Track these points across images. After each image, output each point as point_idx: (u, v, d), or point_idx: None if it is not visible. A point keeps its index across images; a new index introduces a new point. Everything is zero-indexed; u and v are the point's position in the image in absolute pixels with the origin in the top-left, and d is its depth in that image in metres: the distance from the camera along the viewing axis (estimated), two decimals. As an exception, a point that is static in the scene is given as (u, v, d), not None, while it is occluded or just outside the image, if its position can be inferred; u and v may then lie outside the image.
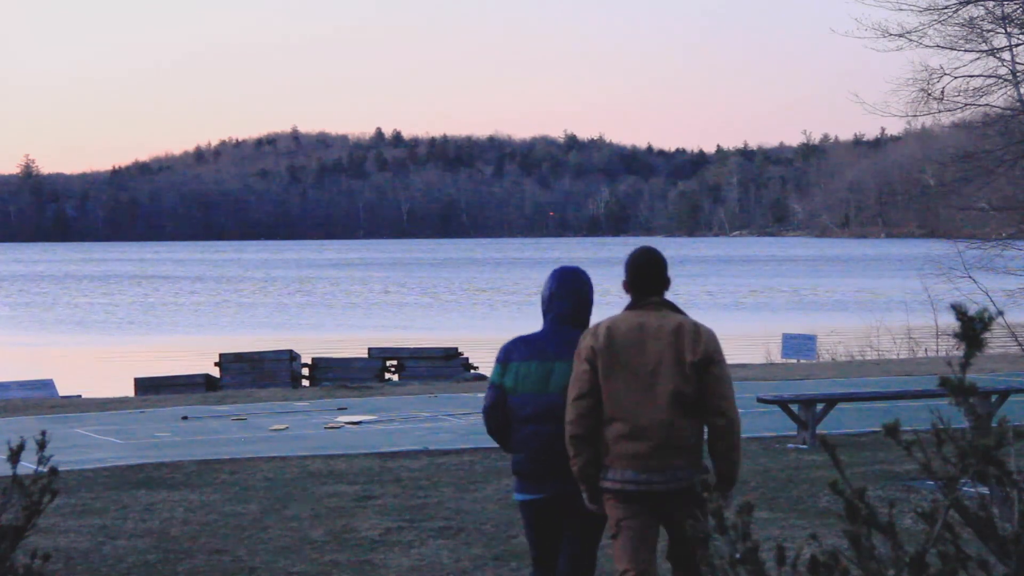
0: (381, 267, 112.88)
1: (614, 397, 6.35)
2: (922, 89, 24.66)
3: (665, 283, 6.63)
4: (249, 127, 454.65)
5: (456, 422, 17.52)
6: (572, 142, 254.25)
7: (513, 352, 6.93)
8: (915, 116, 25.79)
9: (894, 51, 24.82)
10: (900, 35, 24.29)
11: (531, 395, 6.78)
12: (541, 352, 6.87)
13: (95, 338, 49.26)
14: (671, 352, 6.39)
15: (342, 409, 19.11)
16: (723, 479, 6.54)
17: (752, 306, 60.55)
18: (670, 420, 6.34)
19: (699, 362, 6.38)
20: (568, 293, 7.01)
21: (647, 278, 6.58)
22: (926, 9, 24.11)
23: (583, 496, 6.51)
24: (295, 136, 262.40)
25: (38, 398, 23.68)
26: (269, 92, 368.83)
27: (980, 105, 25.26)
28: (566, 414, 6.44)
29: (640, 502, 6.39)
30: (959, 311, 2.92)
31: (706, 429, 6.53)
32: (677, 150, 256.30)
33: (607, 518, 6.49)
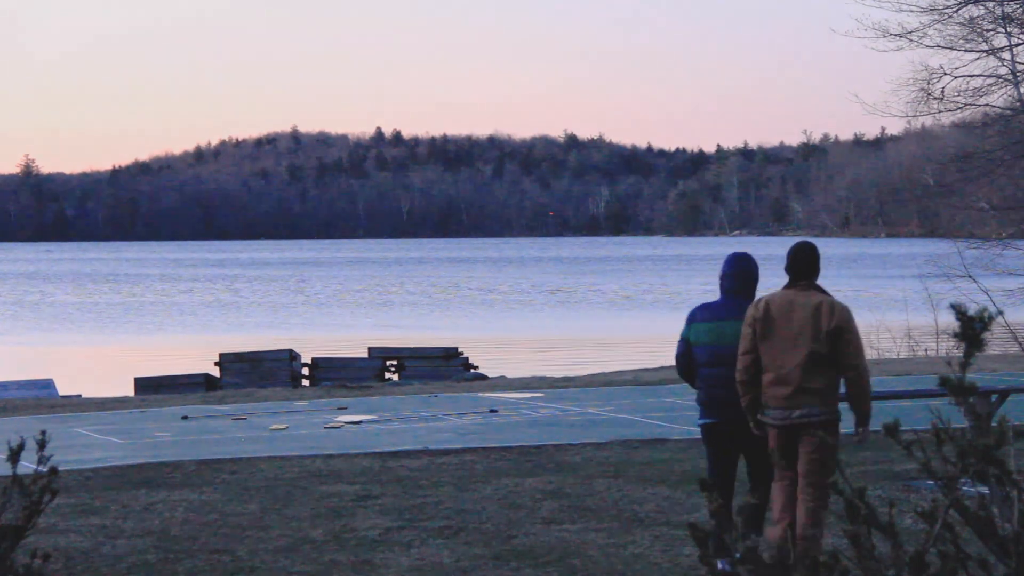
0: (381, 267, 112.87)
1: (768, 353, 8.61)
2: (922, 89, 24.68)
3: (813, 270, 8.72)
4: (249, 127, 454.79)
5: (456, 422, 17.51)
6: (572, 142, 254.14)
7: (697, 314, 9.27)
8: (915, 116, 25.81)
9: (894, 51, 24.82)
10: (900, 35, 24.30)
11: (710, 346, 9.10)
12: (717, 315, 9.16)
13: (95, 338, 49.26)
14: (811, 322, 8.51)
15: (342, 409, 19.11)
16: (859, 416, 8.65)
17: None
18: (805, 372, 8.49)
19: (832, 330, 8.47)
20: (736, 272, 9.24)
21: (798, 265, 8.71)
22: (927, 9, 24.12)
23: (750, 424, 8.78)
24: (295, 136, 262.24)
25: (38, 398, 23.68)
26: (269, 92, 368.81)
27: (980, 105, 25.28)
28: (736, 365, 8.73)
29: (786, 431, 8.61)
30: (959, 311, 2.92)
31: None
32: (677, 150, 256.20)
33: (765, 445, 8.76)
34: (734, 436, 9.03)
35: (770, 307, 8.63)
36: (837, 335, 8.45)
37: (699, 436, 15.53)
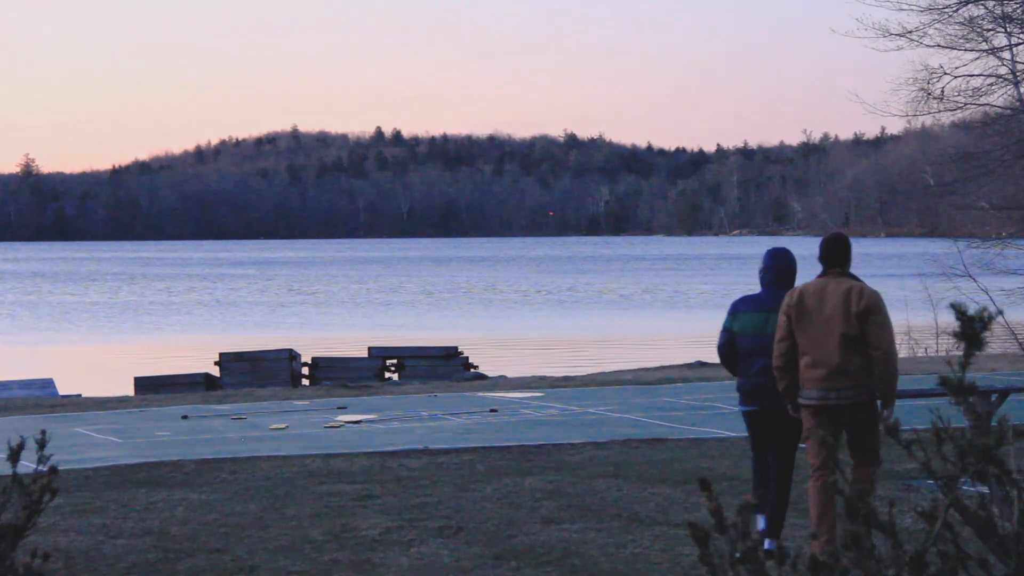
0: (381, 266, 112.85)
1: (803, 338, 9.07)
2: (922, 88, 24.67)
3: (844, 259, 9.22)
4: (249, 127, 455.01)
5: (456, 422, 17.51)
6: (572, 142, 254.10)
7: (741, 306, 9.83)
8: (915, 116, 25.79)
9: (894, 51, 24.81)
10: (901, 35, 24.29)
11: (752, 336, 9.64)
12: (759, 306, 9.72)
13: (95, 337, 49.26)
14: (842, 307, 8.97)
15: (342, 408, 19.11)
16: (884, 397, 9.09)
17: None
18: (840, 354, 8.94)
19: (860, 313, 8.93)
20: (776, 266, 9.82)
21: (830, 255, 9.22)
22: (927, 9, 24.11)
23: (788, 408, 9.25)
24: (295, 136, 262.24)
25: (38, 397, 23.68)
26: (269, 92, 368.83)
27: (980, 104, 25.27)
28: (773, 351, 9.22)
29: (823, 413, 9.04)
30: (959, 310, 2.92)
31: None
32: (677, 149, 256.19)
33: (799, 431, 9.37)
34: (772, 422, 9.62)
35: (804, 295, 9.14)
36: (865, 316, 8.91)
37: (698, 436, 15.62)
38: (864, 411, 9.03)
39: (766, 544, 8.89)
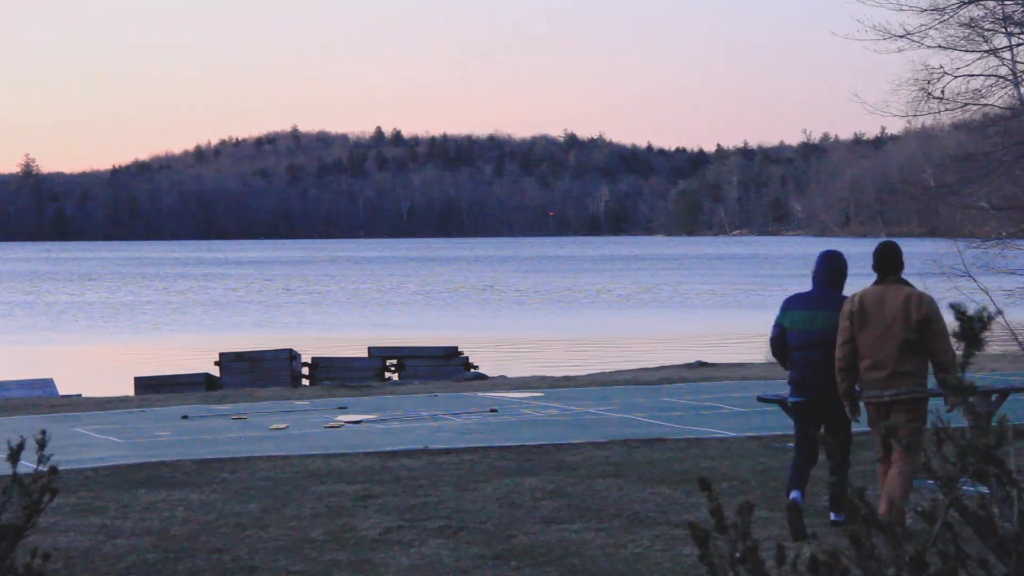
0: (381, 266, 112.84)
1: (864, 342, 9.69)
2: (922, 89, 24.63)
3: (899, 266, 9.86)
4: (249, 127, 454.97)
5: (456, 422, 17.51)
6: (572, 142, 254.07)
7: (792, 303, 10.47)
8: (915, 116, 25.75)
9: (895, 52, 24.78)
10: (902, 36, 24.25)
11: (802, 332, 10.26)
12: (810, 304, 10.34)
13: (95, 337, 49.26)
14: (902, 313, 9.61)
15: (342, 408, 19.11)
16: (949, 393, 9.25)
17: (752, 305, 60.53)
18: (898, 357, 9.57)
19: (921, 319, 9.56)
20: (827, 267, 10.45)
21: (885, 263, 9.85)
22: (928, 9, 24.08)
23: (846, 407, 9.82)
24: (295, 135, 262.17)
25: (38, 397, 23.67)
26: (269, 92, 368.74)
27: (980, 105, 25.24)
28: (835, 354, 9.78)
29: (881, 409, 9.67)
30: (959, 310, 2.92)
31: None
32: (677, 149, 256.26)
33: (850, 420, 10.03)
34: (820, 412, 10.23)
35: (864, 301, 9.76)
36: (926, 323, 9.55)
37: (698, 436, 15.61)
38: (917, 406, 9.64)
39: (832, 516, 10.21)
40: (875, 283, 9.85)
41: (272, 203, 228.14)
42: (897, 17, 38.69)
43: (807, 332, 10.23)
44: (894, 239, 10.84)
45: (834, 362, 9.89)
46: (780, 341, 10.42)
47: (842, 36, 32.19)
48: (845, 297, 10.22)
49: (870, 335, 9.65)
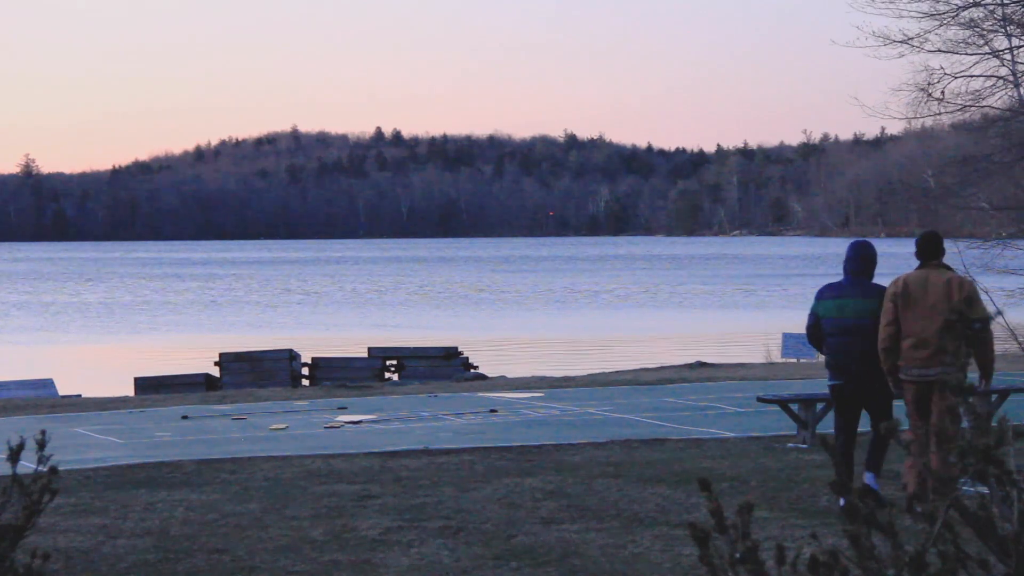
0: (381, 266, 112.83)
1: (907, 322, 10.32)
2: (922, 90, 24.63)
3: (940, 252, 10.50)
4: (249, 127, 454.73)
5: (456, 422, 17.51)
6: (572, 142, 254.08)
7: (825, 292, 11.11)
8: (915, 117, 25.76)
9: (896, 58, 24.76)
10: (902, 41, 24.23)
11: (835, 319, 10.91)
12: (841, 293, 10.97)
13: (95, 337, 49.26)
14: (943, 295, 10.21)
15: (342, 409, 19.11)
16: (983, 372, 10.34)
17: (752, 305, 60.55)
18: (940, 336, 10.06)
19: (964, 300, 10.09)
20: (858, 257, 11.01)
21: (927, 249, 10.48)
22: (927, 14, 24.05)
23: (889, 383, 10.55)
24: (295, 136, 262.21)
25: (38, 398, 23.67)
26: (269, 92, 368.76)
27: (980, 106, 25.22)
28: (879, 334, 10.50)
29: (923, 387, 10.31)
30: (957, 312, 2.91)
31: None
32: (677, 150, 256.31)
33: (891, 397, 10.72)
34: (857, 393, 10.88)
35: (908, 284, 10.41)
36: (967, 305, 10.12)
37: (698, 436, 15.60)
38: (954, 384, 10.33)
39: (866, 477, 10.78)
40: (918, 267, 10.51)
41: (272, 203, 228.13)
42: (897, 23, 38.67)
43: (839, 319, 10.88)
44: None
45: (865, 347, 10.60)
46: (815, 329, 11.11)
47: (842, 44, 32.13)
48: (875, 285, 10.89)
49: (913, 316, 10.28)
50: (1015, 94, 24.77)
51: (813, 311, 11.16)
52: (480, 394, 20.97)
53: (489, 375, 27.90)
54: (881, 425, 3.12)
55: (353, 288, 79.74)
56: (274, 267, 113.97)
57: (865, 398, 10.89)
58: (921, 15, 24.13)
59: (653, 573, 9.08)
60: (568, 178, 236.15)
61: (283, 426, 17.23)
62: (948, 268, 10.53)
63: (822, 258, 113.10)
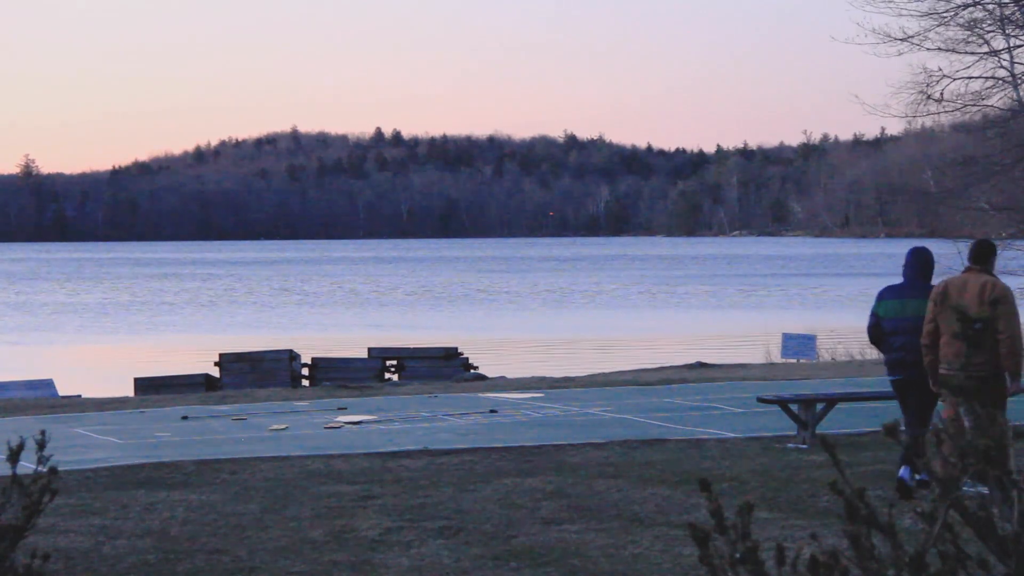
0: (380, 266, 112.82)
1: (945, 321, 11.03)
2: (921, 91, 24.62)
3: (985, 259, 11.34)
4: (249, 127, 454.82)
5: (456, 422, 17.51)
6: (572, 142, 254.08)
7: (885, 293, 11.96)
8: (915, 117, 25.75)
9: (895, 56, 24.77)
10: (902, 39, 24.24)
11: (895, 319, 11.75)
12: (900, 294, 11.84)
13: (95, 338, 49.26)
14: (977, 296, 11.01)
15: (342, 409, 19.10)
16: (1011, 373, 10.92)
17: (752, 306, 60.54)
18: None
19: (990, 301, 10.91)
20: (916, 261, 11.95)
21: (974, 255, 11.34)
22: (927, 13, 24.06)
23: (929, 379, 11.21)
24: (295, 136, 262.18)
25: (38, 398, 23.67)
26: (269, 92, 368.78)
27: (980, 107, 25.22)
28: (922, 331, 11.25)
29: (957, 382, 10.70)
30: (959, 311, 2.92)
31: None
32: (677, 150, 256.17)
33: (937, 395, 11.29)
34: (915, 388, 11.63)
35: (949, 286, 11.25)
36: (995, 305, 10.89)
37: (698, 437, 15.62)
38: (993, 382, 10.76)
39: (901, 471, 11.34)
40: (964, 271, 11.39)
41: (272, 204, 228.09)
42: (897, 21, 38.65)
43: (898, 319, 11.73)
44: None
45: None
46: (876, 329, 11.91)
47: (842, 41, 32.09)
48: (932, 286, 11.63)
49: (948, 316, 10.95)
50: (1014, 94, 24.77)
51: (873, 312, 11.92)
52: (480, 394, 20.97)
53: (489, 375, 27.90)
54: (883, 425, 3.13)
55: (353, 288, 79.76)
56: (274, 267, 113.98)
57: (917, 392, 11.58)
58: (921, 14, 24.13)
59: (653, 573, 9.08)
60: (568, 178, 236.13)
61: (283, 426, 17.23)
62: (990, 273, 11.31)
63: (822, 258, 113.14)
